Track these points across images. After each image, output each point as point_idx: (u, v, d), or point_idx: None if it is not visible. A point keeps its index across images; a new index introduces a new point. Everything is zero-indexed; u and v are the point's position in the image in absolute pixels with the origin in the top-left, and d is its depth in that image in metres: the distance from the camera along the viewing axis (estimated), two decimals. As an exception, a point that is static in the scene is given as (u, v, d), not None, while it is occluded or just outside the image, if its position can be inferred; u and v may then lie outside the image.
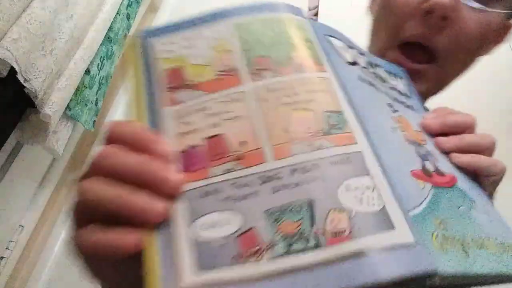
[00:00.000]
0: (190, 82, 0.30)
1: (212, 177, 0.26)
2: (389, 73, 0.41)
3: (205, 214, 0.25)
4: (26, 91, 0.86)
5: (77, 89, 1.09)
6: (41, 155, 1.09)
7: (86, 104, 1.15)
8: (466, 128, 0.38)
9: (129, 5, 1.41)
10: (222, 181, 0.26)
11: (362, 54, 0.38)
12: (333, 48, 0.34)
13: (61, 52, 0.96)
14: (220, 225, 0.24)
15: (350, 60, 0.35)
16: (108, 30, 1.27)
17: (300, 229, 0.24)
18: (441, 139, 0.36)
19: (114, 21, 1.30)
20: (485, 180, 0.36)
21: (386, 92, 0.37)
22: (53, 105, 0.94)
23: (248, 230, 0.24)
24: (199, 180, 0.26)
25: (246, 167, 0.26)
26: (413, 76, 0.44)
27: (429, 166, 0.32)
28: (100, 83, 1.25)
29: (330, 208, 0.24)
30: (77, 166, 1.26)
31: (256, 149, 0.27)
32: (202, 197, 0.25)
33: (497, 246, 0.29)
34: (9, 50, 0.79)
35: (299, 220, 0.24)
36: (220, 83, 0.30)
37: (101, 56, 1.24)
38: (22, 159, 1.03)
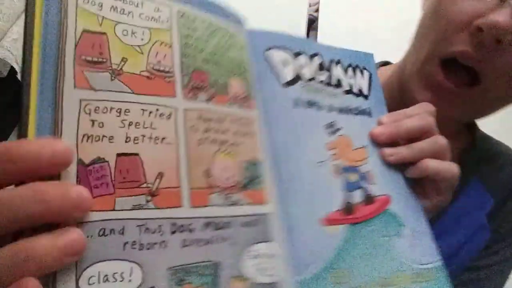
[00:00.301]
0: (113, 64, 0.23)
1: (118, 210, 0.21)
2: (352, 67, 0.38)
3: (101, 261, 0.20)
4: None
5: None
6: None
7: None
8: (422, 133, 0.36)
9: None
10: (129, 219, 0.21)
11: (315, 55, 0.36)
12: (270, 69, 0.32)
13: None
14: (116, 280, 0.20)
15: (290, 78, 0.33)
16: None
17: None
18: (386, 151, 0.35)
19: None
20: (440, 184, 0.36)
21: (331, 105, 0.35)
22: None
23: None
24: (102, 211, 0.20)
25: (159, 208, 0.22)
26: (449, 97, 0.41)
27: (355, 198, 0.32)
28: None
29: (232, 276, 0.24)
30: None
31: (174, 187, 0.23)
32: (102, 235, 0.20)
33: (408, 277, 0.31)
34: (9, 50, 0.75)
35: (201, 285, 0.23)
36: (152, 84, 0.24)
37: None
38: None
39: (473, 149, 0.53)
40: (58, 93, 0.21)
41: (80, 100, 0.21)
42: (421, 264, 0.32)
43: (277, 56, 0.33)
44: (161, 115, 0.24)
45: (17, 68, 0.78)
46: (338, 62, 0.37)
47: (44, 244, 0.18)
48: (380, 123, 0.36)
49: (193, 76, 0.26)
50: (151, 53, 0.24)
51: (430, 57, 0.42)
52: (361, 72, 0.39)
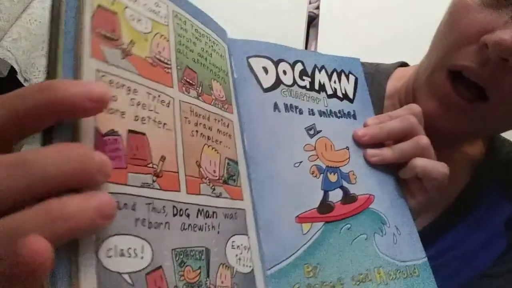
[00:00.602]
0: (123, 43, 0.23)
1: (130, 186, 0.20)
2: (337, 72, 0.40)
3: (117, 234, 0.19)
4: None
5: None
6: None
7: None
8: (405, 134, 0.36)
9: None
10: (139, 196, 0.21)
11: (297, 61, 0.37)
12: (252, 75, 0.34)
13: None
14: (130, 255, 0.19)
15: (270, 83, 0.35)
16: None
17: (198, 279, 0.22)
18: (368, 152, 0.36)
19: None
20: (426, 183, 0.36)
21: (312, 109, 0.36)
22: None
23: (157, 268, 0.20)
24: (117, 184, 0.20)
25: (163, 190, 0.22)
26: (455, 110, 0.39)
27: (334, 197, 0.33)
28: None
29: (220, 263, 0.24)
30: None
31: (173, 171, 0.23)
32: (118, 208, 0.19)
33: (388, 273, 0.32)
34: (9, 50, 0.80)
35: (198, 269, 0.23)
36: (154, 71, 0.24)
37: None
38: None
39: (492, 156, 0.51)
40: (77, 59, 0.20)
41: (96, 70, 0.21)
42: (403, 261, 0.34)
43: (259, 63, 0.35)
44: (162, 101, 0.24)
45: (17, 68, 0.80)
46: (322, 68, 0.39)
47: (78, 204, 0.16)
48: (365, 125, 0.37)
49: (185, 72, 0.27)
50: (153, 43, 0.25)
51: (438, 67, 0.41)
52: (347, 76, 0.40)
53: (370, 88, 0.42)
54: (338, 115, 0.38)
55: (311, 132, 0.35)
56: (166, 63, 0.26)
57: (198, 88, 0.28)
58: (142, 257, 0.20)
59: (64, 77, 0.19)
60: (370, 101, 0.41)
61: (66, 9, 0.20)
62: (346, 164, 0.36)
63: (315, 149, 0.35)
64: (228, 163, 0.28)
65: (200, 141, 0.26)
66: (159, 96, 0.24)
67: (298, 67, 0.38)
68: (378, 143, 0.38)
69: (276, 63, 0.36)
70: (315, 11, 1.47)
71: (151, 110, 0.23)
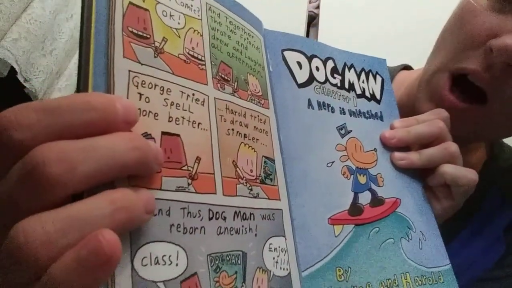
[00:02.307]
0: (155, 42, 0.22)
1: (164, 190, 0.20)
2: (365, 71, 0.39)
3: (152, 242, 0.18)
4: (26, 91, 0.86)
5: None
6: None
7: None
8: (433, 139, 0.35)
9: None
10: (174, 200, 0.20)
11: (329, 58, 0.36)
12: (287, 69, 0.33)
13: (61, 52, 0.96)
14: (165, 262, 0.19)
15: (304, 79, 0.33)
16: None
17: (234, 284, 0.22)
18: (396, 155, 0.35)
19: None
20: (453, 190, 0.35)
21: (343, 108, 0.35)
22: None
23: (192, 275, 0.20)
24: (152, 188, 0.19)
25: (198, 193, 0.21)
26: (451, 113, 0.38)
27: (363, 199, 0.32)
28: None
29: (257, 267, 0.24)
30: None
31: (209, 173, 0.23)
32: (154, 214, 0.19)
33: (414, 279, 0.31)
34: (9, 50, 0.79)
35: (234, 274, 0.22)
36: (188, 68, 0.23)
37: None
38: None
39: (491, 163, 0.51)
40: (110, 60, 0.19)
41: (129, 71, 0.20)
42: (428, 267, 0.33)
43: (294, 57, 0.34)
44: (196, 100, 0.23)
45: (17, 68, 0.82)
46: (351, 67, 0.38)
47: (133, 196, 0.17)
48: (392, 127, 0.37)
49: (220, 67, 0.26)
50: (186, 38, 0.24)
51: (441, 69, 0.40)
52: (374, 77, 0.39)
53: None
54: (367, 115, 0.37)
55: (342, 131, 0.35)
56: (200, 59, 0.25)
57: (233, 84, 0.27)
58: (177, 264, 0.19)
59: (95, 80, 0.18)
60: (395, 103, 0.40)
61: (97, 9, 0.20)
62: (374, 166, 0.35)
63: (346, 149, 0.34)
64: (265, 162, 0.27)
65: (236, 140, 0.25)
66: (193, 94, 0.23)
67: (330, 64, 0.36)
68: (404, 147, 0.37)
69: (310, 59, 0.35)
70: (315, 10, 1.47)
71: (185, 110, 0.22)
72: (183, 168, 0.21)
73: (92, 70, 0.19)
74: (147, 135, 0.20)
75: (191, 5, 0.25)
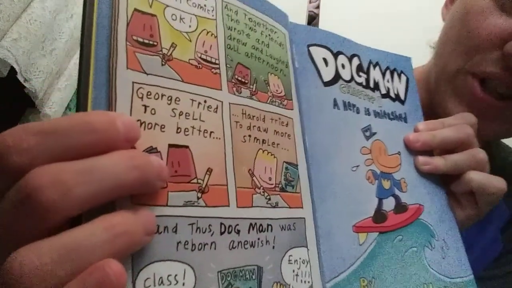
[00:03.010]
0: (163, 49, 0.21)
1: (171, 206, 0.19)
2: (390, 70, 0.37)
3: (156, 261, 0.18)
4: (26, 91, 0.85)
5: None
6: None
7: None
8: (459, 145, 0.34)
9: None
10: (181, 216, 0.19)
11: (354, 55, 0.35)
12: (313, 66, 0.31)
13: (61, 52, 0.95)
14: (171, 283, 0.18)
15: (330, 77, 0.32)
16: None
17: None
18: (420, 160, 0.34)
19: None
20: (479, 198, 0.34)
21: (368, 108, 0.34)
22: (53, 105, 0.93)
23: None
24: (157, 205, 0.19)
25: (209, 206, 0.21)
26: (488, 112, 0.38)
27: (387, 206, 0.31)
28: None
29: (274, 281, 0.22)
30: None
31: (221, 185, 0.22)
32: (156, 232, 0.18)
33: None
34: (9, 50, 0.79)
35: None
36: (200, 74, 0.22)
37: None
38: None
39: (490, 161, 0.51)
40: (112, 73, 0.19)
41: (133, 83, 0.19)
42: (451, 278, 0.32)
43: (319, 53, 0.32)
44: (209, 107, 0.22)
45: (17, 68, 0.83)
46: (376, 64, 0.36)
47: (132, 220, 0.16)
48: (416, 130, 0.35)
49: (236, 70, 0.25)
50: (198, 42, 0.23)
51: (462, 72, 0.40)
52: (399, 76, 0.38)
53: None
54: (391, 116, 0.35)
55: (367, 133, 0.33)
56: (214, 63, 0.23)
57: (251, 86, 0.25)
58: (183, 284, 0.18)
59: (95, 95, 0.18)
60: (419, 104, 0.38)
61: (99, 19, 0.19)
62: (398, 171, 0.33)
63: (370, 152, 0.32)
64: (286, 168, 0.26)
65: (253, 147, 0.24)
66: (205, 101, 0.22)
67: (355, 61, 0.35)
68: (428, 151, 0.35)
69: (336, 55, 0.33)
70: (315, 10, 1.45)
71: (196, 119, 0.21)
72: (192, 181, 0.20)
73: (92, 84, 0.18)
74: (152, 150, 0.19)
75: (205, 5, 0.24)
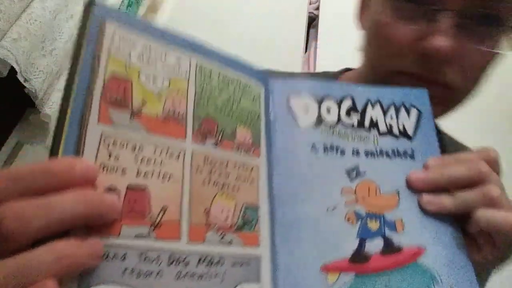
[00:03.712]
0: (134, 106, 0.26)
1: (122, 237, 0.23)
2: (395, 106, 0.37)
3: (101, 283, 0.21)
4: (26, 91, 0.86)
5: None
6: (41, 155, 1.04)
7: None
8: (469, 182, 0.31)
9: (129, 5, 1.32)
10: (131, 246, 0.23)
11: (346, 97, 0.36)
12: (291, 116, 0.34)
13: (61, 52, 0.95)
14: None
15: (309, 124, 0.34)
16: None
17: None
18: (424, 199, 0.32)
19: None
20: (495, 237, 0.32)
21: (357, 149, 0.34)
22: (53, 105, 0.94)
23: None
24: (110, 236, 0.22)
25: (159, 239, 0.24)
26: (443, 63, 0.39)
27: (372, 247, 0.31)
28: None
29: None
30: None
31: (174, 220, 0.25)
32: (106, 259, 0.22)
33: None
34: (9, 50, 0.79)
35: None
36: (165, 126, 0.27)
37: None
38: (22, 159, 1.02)
39: None
40: (84, 124, 0.23)
41: (101, 134, 0.24)
42: None
43: (300, 103, 0.34)
44: (171, 154, 0.26)
45: (17, 68, 0.83)
46: (376, 103, 0.36)
47: (76, 243, 0.20)
48: (425, 166, 0.34)
49: (203, 123, 0.29)
50: (167, 99, 0.27)
51: (395, 72, 0.42)
52: (407, 110, 0.37)
53: None
54: (390, 154, 0.35)
55: (353, 174, 0.33)
56: (180, 117, 0.27)
57: (217, 136, 0.29)
58: None
59: (66, 144, 0.22)
60: (435, 139, 0.36)
61: (80, 77, 0.24)
62: (393, 210, 0.33)
63: (355, 193, 0.33)
64: (245, 209, 0.29)
65: (212, 190, 0.27)
66: (168, 148, 0.26)
67: (346, 103, 0.36)
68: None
69: (320, 101, 0.35)
70: (315, 11, 1.43)
71: (158, 164, 0.25)
72: (146, 217, 0.24)
73: (66, 132, 0.22)
74: (111, 189, 0.23)
75: (178, 68, 0.28)
